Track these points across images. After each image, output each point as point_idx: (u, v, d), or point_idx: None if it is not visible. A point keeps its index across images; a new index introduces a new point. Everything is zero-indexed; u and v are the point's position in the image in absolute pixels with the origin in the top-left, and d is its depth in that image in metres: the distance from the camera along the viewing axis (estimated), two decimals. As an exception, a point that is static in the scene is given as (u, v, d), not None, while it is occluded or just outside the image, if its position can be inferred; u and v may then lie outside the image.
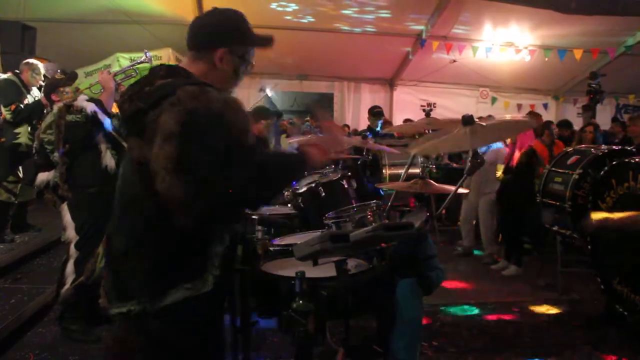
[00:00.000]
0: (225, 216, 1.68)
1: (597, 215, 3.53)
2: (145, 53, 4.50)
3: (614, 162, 4.16)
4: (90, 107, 3.79)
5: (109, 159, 3.85)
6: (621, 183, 4.01)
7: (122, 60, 8.38)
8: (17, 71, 5.79)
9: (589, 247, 4.14)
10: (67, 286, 3.77)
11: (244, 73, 1.87)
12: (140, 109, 1.64)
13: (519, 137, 6.16)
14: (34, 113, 5.41)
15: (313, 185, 3.81)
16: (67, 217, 3.86)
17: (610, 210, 4.02)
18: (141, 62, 4.36)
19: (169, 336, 1.66)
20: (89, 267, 3.71)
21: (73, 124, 3.78)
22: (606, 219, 3.42)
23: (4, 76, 5.80)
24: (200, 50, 1.80)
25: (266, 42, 1.89)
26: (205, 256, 1.68)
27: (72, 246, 3.83)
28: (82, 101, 3.84)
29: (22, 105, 5.53)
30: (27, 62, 5.82)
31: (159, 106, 1.60)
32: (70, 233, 3.83)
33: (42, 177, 4.01)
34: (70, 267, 3.81)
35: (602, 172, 4.12)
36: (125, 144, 3.87)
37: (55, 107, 3.88)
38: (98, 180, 3.80)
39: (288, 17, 9.49)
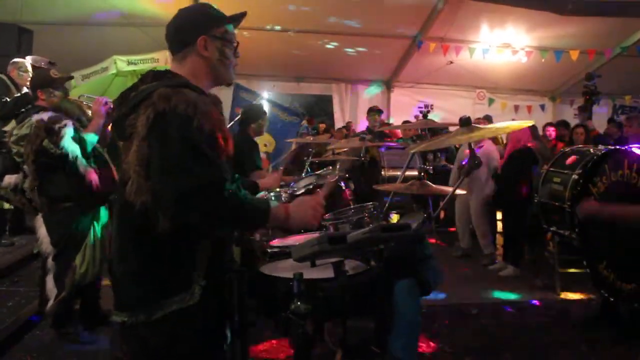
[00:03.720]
0: (196, 224, 1.63)
1: (590, 205, 3.54)
2: None
3: (610, 148, 4.23)
4: (73, 154, 3.54)
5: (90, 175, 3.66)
6: (615, 170, 4.10)
7: (120, 62, 8.39)
8: (7, 71, 5.71)
9: (577, 230, 4.14)
10: (51, 302, 3.71)
11: (233, 54, 1.87)
12: (123, 114, 1.68)
13: (511, 137, 6.16)
14: (19, 104, 5.21)
15: (311, 186, 3.82)
16: (42, 230, 3.73)
17: (600, 195, 4.08)
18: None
19: (161, 345, 1.68)
20: (69, 282, 3.68)
21: (46, 152, 3.51)
22: (599, 210, 3.41)
23: None
24: (182, 50, 1.82)
25: (239, 16, 1.89)
26: (190, 268, 1.68)
27: (49, 260, 3.73)
28: (68, 139, 3.52)
29: (7, 98, 5.42)
30: (13, 62, 5.73)
31: (137, 110, 1.63)
32: (47, 247, 3.72)
33: (9, 179, 3.87)
34: (50, 282, 3.72)
35: (595, 157, 4.16)
36: (110, 162, 3.83)
37: (34, 121, 3.56)
38: (74, 195, 3.65)
39: (285, 19, 9.49)
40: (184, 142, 1.55)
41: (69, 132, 3.57)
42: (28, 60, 5.86)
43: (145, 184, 1.57)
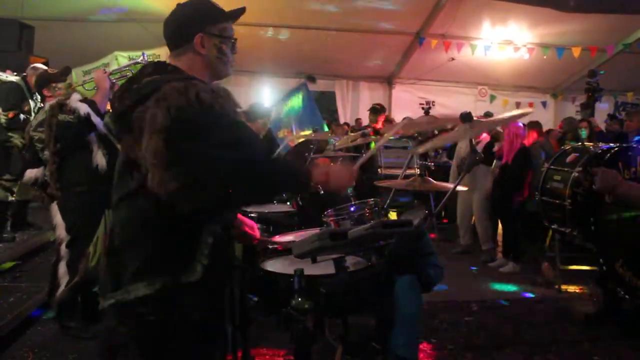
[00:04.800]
0: (218, 206, 1.72)
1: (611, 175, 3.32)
2: (143, 54, 4.49)
3: (622, 145, 4.20)
4: (84, 109, 3.72)
5: (99, 158, 3.79)
6: (628, 167, 4.08)
7: (121, 58, 8.36)
8: (25, 74, 5.70)
9: (592, 227, 4.13)
10: (62, 288, 3.75)
11: (231, 51, 1.88)
12: (128, 106, 1.68)
13: (506, 134, 6.15)
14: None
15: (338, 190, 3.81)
16: (57, 217, 3.83)
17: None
18: (138, 63, 4.31)
19: (159, 323, 1.67)
20: (82, 268, 3.71)
21: (64, 124, 3.71)
22: (618, 184, 3.22)
23: (12, 79, 5.71)
24: (180, 46, 1.82)
25: (237, 12, 1.88)
26: (195, 245, 1.69)
27: (63, 246, 3.80)
28: (75, 102, 3.76)
29: (21, 115, 5.45)
30: (34, 67, 5.66)
31: (144, 103, 1.63)
32: (61, 233, 3.80)
33: (30, 174, 4.01)
34: (62, 268, 3.78)
35: (608, 155, 4.13)
36: (117, 143, 3.89)
37: (47, 105, 3.83)
38: (88, 179, 3.76)
39: (287, 15, 9.48)
40: (217, 127, 1.61)
41: (75, 97, 3.82)
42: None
43: (167, 174, 1.56)
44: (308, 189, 1.81)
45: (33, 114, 5.52)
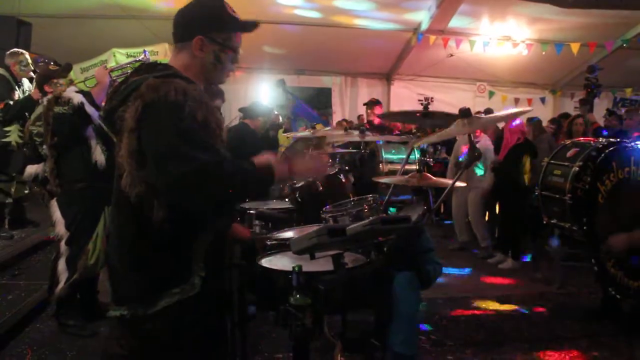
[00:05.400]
0: (200, 207, 1.62)
1: (619, 240, 3.64)
2: (144, 52, 4.48)
3: (616, 145, 4.20)
4: (78, 99, 3.70)
5: (98, 155, 3.79)
6: (622, 167, 4.08)
7: (119, 55, 8.36)
8: (7, 64, 5.67)
9: (584, 228, 4.13)
10: (61, 284, 3.74)
11: (230, 61, 1.82)
12: (113, 106, 1.67)
13: (505, 132, 6.16)
14: (25, 109, 5.26)
15: (310, 179, 3.81)
16: (57, 214, 3.82)
17: (608, 193, 4.06)
18: (139, 61, 4.30)
19: (162, 338, 1.67)
20: (81, 264, 3.72)
21: (60, 116, 3.69)
22: (629, 239, 3.55)
23: None
24: (180, 42, 1.79)
25: (247, 26, 1.84)
26: (189, 258, 1.67)
27: (62, 243, 3.79)
28: (70, 92, 3.76)
29: (11, 102, 5.43)
30: (12, 53, 5.68)
31: (126, 102, 1.62)
32: (61, 229, 3.79)
33: (31, 170, 4.01)
34: (62, 265, 3.77)
35: (602, 155, 4.13)
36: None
37: (45, 100, 3.83)
38: (87, 175, 3.76)
39: (286, 12, 9.46)
40: (177, 129, 1.53)
41: (71, 88, 3.85)
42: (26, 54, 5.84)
43: (138, 174, 1.56)
44: (272, 183, 1.71)
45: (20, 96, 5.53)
